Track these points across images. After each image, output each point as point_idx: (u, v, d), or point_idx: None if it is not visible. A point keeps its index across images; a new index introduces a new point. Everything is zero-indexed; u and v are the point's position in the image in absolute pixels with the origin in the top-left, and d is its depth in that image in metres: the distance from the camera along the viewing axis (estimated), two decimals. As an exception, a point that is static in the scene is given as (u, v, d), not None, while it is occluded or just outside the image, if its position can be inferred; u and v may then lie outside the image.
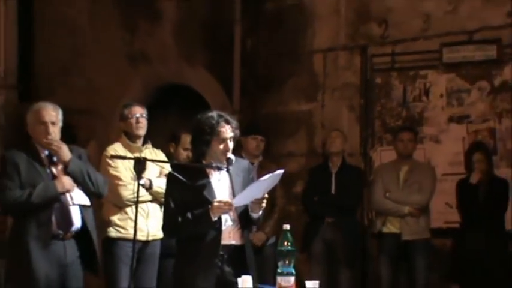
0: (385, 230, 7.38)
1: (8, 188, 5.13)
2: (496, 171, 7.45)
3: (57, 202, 5.17)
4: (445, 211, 7.77)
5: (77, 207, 5.25)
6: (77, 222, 5.23)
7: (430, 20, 8.13)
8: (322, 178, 7.53)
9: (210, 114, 4.86)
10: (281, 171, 4.74)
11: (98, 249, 5.42)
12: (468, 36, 7.98)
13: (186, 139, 6.80)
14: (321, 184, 7.52)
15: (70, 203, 5.22)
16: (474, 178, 7.19)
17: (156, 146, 6.47)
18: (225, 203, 4.69)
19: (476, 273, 6.99)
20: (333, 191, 7.47)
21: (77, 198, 5.26)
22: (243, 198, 4.72)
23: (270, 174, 4.66)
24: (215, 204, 4.68)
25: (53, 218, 5.15)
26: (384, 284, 7.41)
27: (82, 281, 5.32)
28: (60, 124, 5.36)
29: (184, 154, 6.91)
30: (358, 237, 7.60)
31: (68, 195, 5.22)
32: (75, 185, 5.26)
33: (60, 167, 5.27)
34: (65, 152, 5.26)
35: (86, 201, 5.31)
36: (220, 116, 4.84)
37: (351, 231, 7.43)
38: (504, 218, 7.17)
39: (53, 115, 5.29)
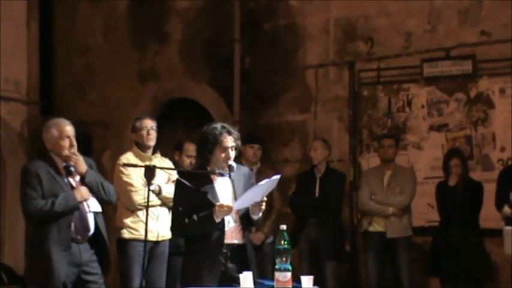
0: (371, 229, 7.40)
1: (32, 198, 5.09)
2: (473, 174, 7.46)
3: (76, 210, 5.16)
4: (427, 211, 7.78)
5: (92, 214, 5.23)
6: (92, 228, 5.23)
7: (411, 38, 8.15)
8: (308, 183, 7.53)
9: (215, 125, 4.85)
10: (277, 176, 4.73)
11: (109, 250, 5.39)
12: (446, 53, 8.01)
13: (189, 147, 6.82)
14: (306, 188, 7.51)
15: (87, 210, 5.20)
16: (452, 181, 7.20)
17: (164, 154, 6.45)
18: (226, 206, 4.69)
19: (454, 266, 7.00)
20: (316, 194, 7.45)
21: (92, 206, 5.25)
22: (244, 202, 4.71)
23: (268, 180, 4.65)
24: (217, 207, 4.68)
25: (72, 225, 5.14)
26: (371, 277, 7.43)
27: (101, 276, 5.29)
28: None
29: (187, 161, 6.91)
30: (341, 234, 7.54)
31: (85, 203, 5.20)
32: (90, 194, 5.25)
33: (77, 178, 5.24)
34: (83, 164, 5.24)
35: (99, 208, 5.29)
36: (223, 128, 4.83)
37: (332, 229, 7.36)
38: (479, 216, 7.17)
39: (72, 130, 5.28)
